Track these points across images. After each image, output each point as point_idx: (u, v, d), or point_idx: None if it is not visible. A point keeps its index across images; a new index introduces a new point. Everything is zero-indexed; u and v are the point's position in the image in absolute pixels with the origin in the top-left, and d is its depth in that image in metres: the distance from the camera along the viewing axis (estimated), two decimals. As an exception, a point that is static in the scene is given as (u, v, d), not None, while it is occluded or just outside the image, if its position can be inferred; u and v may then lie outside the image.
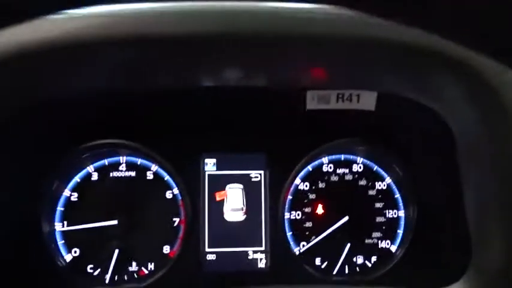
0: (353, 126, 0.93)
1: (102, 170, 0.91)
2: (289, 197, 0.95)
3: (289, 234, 0.95)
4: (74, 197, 0.90)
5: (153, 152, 0.90)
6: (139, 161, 0.92)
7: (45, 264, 0.86)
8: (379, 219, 0.97)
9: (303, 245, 0.95)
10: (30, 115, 0.77)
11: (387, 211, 0.97)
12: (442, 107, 0.64)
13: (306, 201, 0.96)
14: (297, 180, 0.96)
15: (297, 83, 0.75)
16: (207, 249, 0.92)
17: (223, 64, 0.60)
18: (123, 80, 0.65)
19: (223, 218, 0.94)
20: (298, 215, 0.95)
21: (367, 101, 0.83)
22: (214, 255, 0.92)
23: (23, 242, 0.83)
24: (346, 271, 0.95)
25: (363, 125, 0.92)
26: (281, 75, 0.68)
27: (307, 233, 0.95)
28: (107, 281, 0.87)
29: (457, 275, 0.73)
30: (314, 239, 0.94)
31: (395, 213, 0.97)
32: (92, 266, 0.89)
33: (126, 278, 0.90)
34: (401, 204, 0.97)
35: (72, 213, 0.89)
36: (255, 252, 0.93)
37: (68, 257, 0.89)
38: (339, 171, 0.97)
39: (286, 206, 0.95)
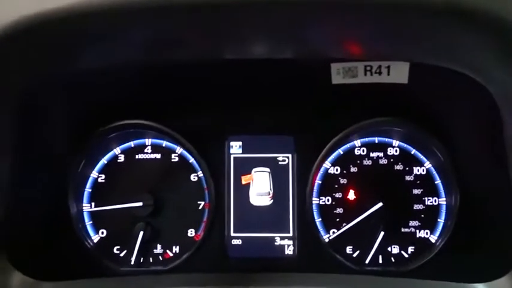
0: (387, 105, 0.86)
1: (128, 152, 0.92)
2: (318, 181, 0.91)
3: (318, 220, 0.90)
4: (101, 178, 0.91)
5: (178, 134, 0.89)
6: (164, 143, 0.92)
7: (73, 245, 0.88)
8: (417, 206, 0.90)
9: (333, 232, 0.90)
10: (59, 97, 0.79)
11: (426, 198, 0.90)
12: (478, 72, 0.58)
13: (336, 186, 0.91)
14: (327, 164, 0.91)
15: (324, 52, 0.70)
16: (232, 234, 0.91)
17: (255, 31, 0.58)
18: (152, 52, 0.65)
19: (249, 202, 0.91)
20: (328, 200, 0.91)
21: (399, 73, 0.76)
22: (240, 240, 0.91)
23: (52, 223, 0.86)
24: (380, 261, 0.89)
25: (397, 103, 0.85)
26: (310, 45, 0.65)
27: (337, 220, 0.90)
28: (132, 263, 0.88)
29: (502, 269, 0.66)
30: (345, 226, 0.89)
31: (435, 201, 0.90)
32: (118, 247, 0.90)
33: (151, 260, 0.90)
34: (442, 190, 0.90)
35: (99, 195, 0.91)
36: (282, 238, 0.90)
37: (96, 238, 0.90)
38: (373, 154, 0.91)
39: (315, 191, 0.91)
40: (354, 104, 0.86)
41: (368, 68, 0.77)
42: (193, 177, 0.91)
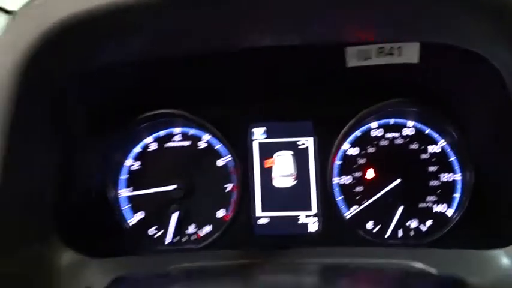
0: (400, 86, 0.90)
1: (159, 141, 0.99)
2: (338, 162, 0.96)
3: (339, 198, 0.96)
4: (136, 165, 0.98)
5: (204, 123, 0.96)
6: (192, 131, 0.98)
7: (113, 227, 0.96)
8: (434, 182, 0.94)
9: (354, 209, 0.95)
10: (96, 88, 0.85)
11: (442, 175, 0.94)
12: (485, 49, 0.62)
13: (355, 166, 0.96)
14: (346, 145, 0.96)
15: (337, 36, 0.75)
16: (259, 214, 0.97)
17: (277, 15, 0.62)
18: (180, 42, 0.70)
19: (273, 184, 0.97)
20: (348, 179, 0.96)
21: (410, 53, 0.80)
22: (266, 219, 0.96)
23: (95, 207, 0.93)
24: (400, 235, 0.94)
25: (410, 84, 0.89)
26: (322, 29, 0.69)
27: (357, 197, 0.95)
28: (166, 243, 0.95)
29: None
30: (365, 202, 0.94)
31: (450, 177, 0.94)
32: (153, 228, 0.97)
33: (184, 240, 0.97)
34: (457, 167, 0.94)
35: (134, 180, 0.98)
36: (306, 216, 0.96)
37: (133, 221, 0.97)
38: (389, 135, 0.96)
39: (335, 171, 0.96)
40: (369, 87, 0.91)
41: (380, 50, 0.81)
42: (220, 162, 0.97)
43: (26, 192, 0.68)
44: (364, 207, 0.95)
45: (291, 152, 0.97)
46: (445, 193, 0.94)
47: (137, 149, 0.98)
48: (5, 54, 0.59)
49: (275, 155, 0.97)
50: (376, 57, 0.82)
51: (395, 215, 0.93)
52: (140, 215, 0.98)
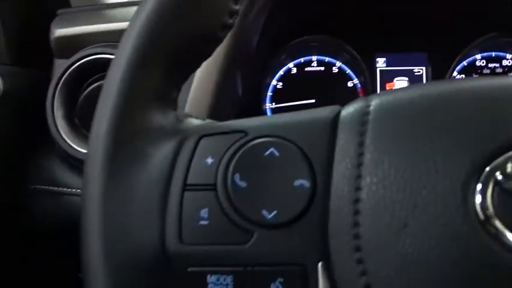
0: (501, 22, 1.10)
1: (299, 66, 1.21)
2: (447, 86, 1.17)
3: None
4: (279, 85, 1.21)
5: (338, 52, 1.18)
6: (327, 59, 1.21)
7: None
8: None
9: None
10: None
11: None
12: None
13: (462, 90, 1.17)
14: (454, 73, 1.18)
15: None
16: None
17: None
18: None
19: (392, 103, 1.19)
20: (455, 101, 1.17)
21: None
22: (384, 132, 1.19)
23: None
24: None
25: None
26: None
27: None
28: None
29: None
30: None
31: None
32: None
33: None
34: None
35: (278, 97, 1.21)
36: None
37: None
38: (491, 65, 1.17)
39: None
40: (473, 22, 1.11)
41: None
42: (349, 84, 1.20)
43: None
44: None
45: (407, 78, 1.19)
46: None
47: (280, 72, 1.21)
48: None
49: (395, 79, 1.19)
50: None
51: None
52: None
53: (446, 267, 0.39)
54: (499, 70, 1.16)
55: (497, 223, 0.39)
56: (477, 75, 1.16)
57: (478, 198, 0.39)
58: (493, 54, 1.16)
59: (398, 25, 1.14)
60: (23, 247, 1.18)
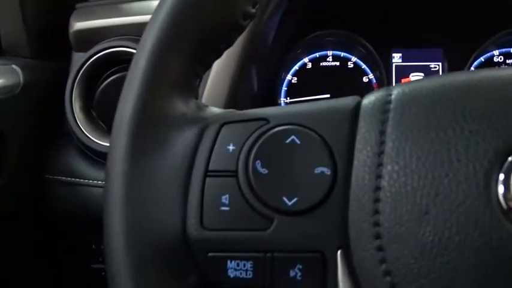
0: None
1: (314, 61, 1.21)
2: (464, 82, 1.16)
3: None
4: (294, 80, 1.21)
5: (354, 47, 1.18)
6: (342, 54, 1.20)
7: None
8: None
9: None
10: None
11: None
12: None
13: (478, 86, 1.16)
14: (472, 69, 1.17)
15: None
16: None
17: None
18: None
19: (407, 98, 1.18)
20: (471, 97, 1.16)
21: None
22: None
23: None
24: None
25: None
26: None
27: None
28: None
29: None
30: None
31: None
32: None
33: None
34: None
35: (293, 91, 1.21)
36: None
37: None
38: (509, 61, 1.16)
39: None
40: (490, 17, 1.10)
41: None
42: (365, 79, 1.20)
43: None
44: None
45: (423, 74, 1.18)
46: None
47: (296, 66, 1.21)
48: None
49: (411, 75, 1.19)
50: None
51: None
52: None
53: (467, 255, 0.39)
54: (517, 67, 1.15)
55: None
56: (494, 72, 1.15)
57: (501, 188, 0.39)
58: (511, 50, 1.15)
59: (415, 20, 1.14)
60: (40, 237, 1.20)
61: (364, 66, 1.20)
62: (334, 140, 0.46)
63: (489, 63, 1.16)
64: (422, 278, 0.40)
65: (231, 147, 0.46)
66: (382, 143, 0.44)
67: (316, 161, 0.45)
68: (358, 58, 1.20)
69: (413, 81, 0.50)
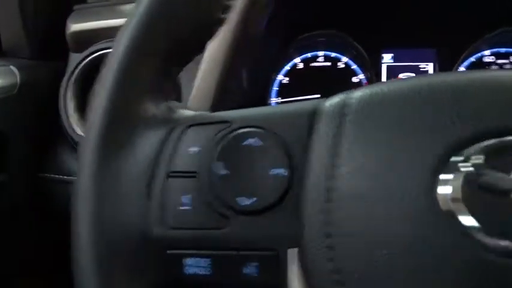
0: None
1: (305, 61, 1.22)
2: (454, 82, 1.17)
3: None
4: (285, 80, 1.23)
5: (345, 47, 1.19)
6: (333, 54, 1.21)
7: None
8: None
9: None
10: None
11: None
12: None
13: (468, 86, 1.16)
14: (462, 69, 1.16)
15: None
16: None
17: None
18: None
19: (398, 99, 1.19)
20: (462, 97, 1.17)
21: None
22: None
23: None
24: None
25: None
26: None
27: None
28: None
29: None
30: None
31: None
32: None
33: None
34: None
35: (284, 91, 1.22)
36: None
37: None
38: (499, 61, 1.16)
39: (451, 90, 1.17)
40: (482, 17, 1.10)
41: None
42: (354, 79, 1.20)
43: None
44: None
45: (413, 74, 1.19)
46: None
47: (287, 67, 1.23)
48: None
49: (400, 75, 1.19)
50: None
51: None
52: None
53: (412, 255, 0.40)
54: (508, 66, 1.14)
55: (460, 212, 0.40)
56: (485, 72, 1.15)
57: (443, 189, 0.40)
58: (503, 50, 1.15)
59: (406, 21, 1.14)
60: (40, 235, 1.23)
61: (354, 66, 1.21)
62: (292, 142, 0.47)
63: (480, 63, 1.15)
64: (369, 277, 0.41)
65: (193, 149, 0.48)
66: (337, 144, 0.46)
67: (274, 162, 0.47)
68: (349, 58, 1.21)
69: (378, 84, 0.52)
